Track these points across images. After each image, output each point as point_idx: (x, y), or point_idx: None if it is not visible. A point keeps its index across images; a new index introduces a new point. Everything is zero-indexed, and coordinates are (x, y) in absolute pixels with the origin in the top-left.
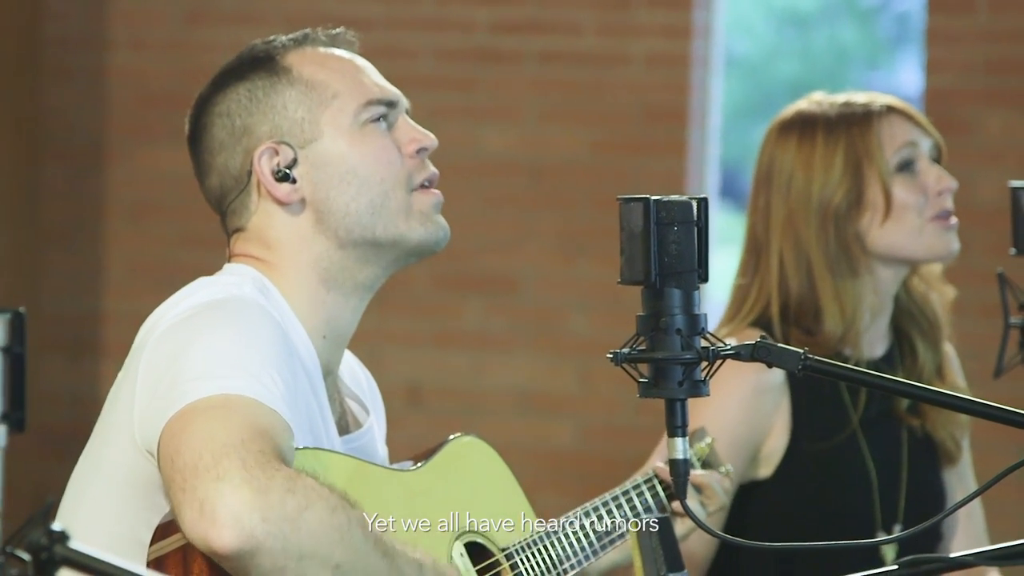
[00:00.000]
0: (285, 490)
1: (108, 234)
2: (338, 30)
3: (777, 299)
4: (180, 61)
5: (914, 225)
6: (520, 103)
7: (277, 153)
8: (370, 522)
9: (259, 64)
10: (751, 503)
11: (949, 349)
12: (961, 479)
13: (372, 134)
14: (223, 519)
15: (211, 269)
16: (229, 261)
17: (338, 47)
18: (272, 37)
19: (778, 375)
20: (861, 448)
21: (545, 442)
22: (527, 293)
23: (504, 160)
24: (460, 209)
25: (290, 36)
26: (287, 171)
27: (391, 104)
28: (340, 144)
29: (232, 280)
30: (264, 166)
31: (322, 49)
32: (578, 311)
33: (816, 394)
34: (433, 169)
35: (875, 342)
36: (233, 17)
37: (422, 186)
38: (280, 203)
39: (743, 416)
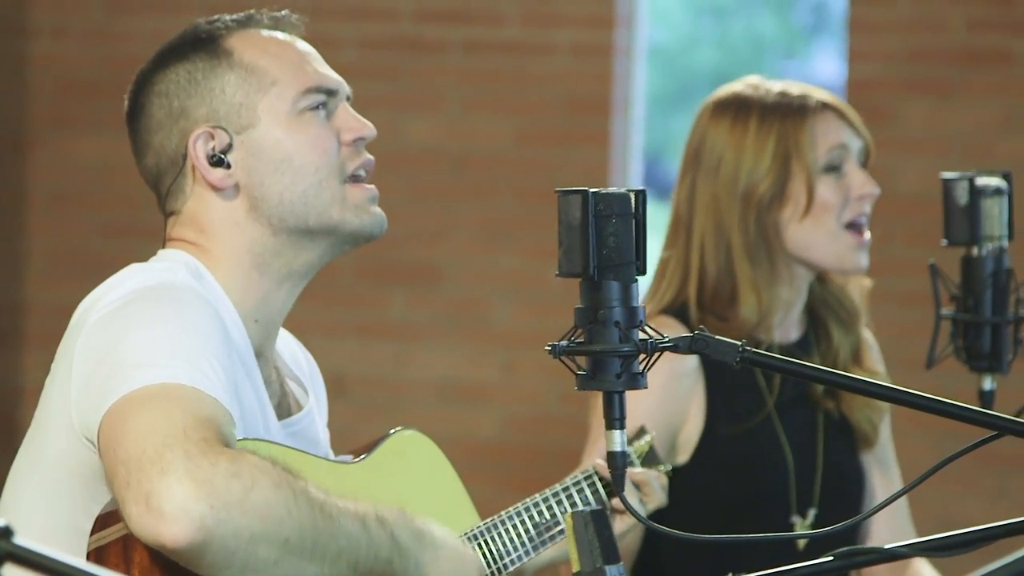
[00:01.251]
0: (229, 475)
1: (29, 223)
2: (282, 13)
3: (695, 281)
4: (101, 49)
5: (830, 228)
6: (444, 93)
7: (213, 137)
8: (312, 489)
9: (200, 45)
10: (671, 489)
11: (868, 335)
12: (882, 464)
13: (309, 122)
14: (171, 513)
15: (133, 258)
16: (164, 244)
17: (282, 30)
18: (216, 17)
19: (692, 361)
20: (776, 432)
21: (468, 432)
22: (451, 283)
23: (428, 150)
24: (384, 199)
25: (234, 17)
26: (222, 156)
27: (331, 92)
28: (276, 132)
29: (165, 266)
30: (199, 150)
31: (265, 33)
32: (502, 301)
33: (731, 379)
34: (368, 156)
35: (789, 328)
36: (154, 5)
37: (356, 177)
38: (214, 188)
39: (659, 403)
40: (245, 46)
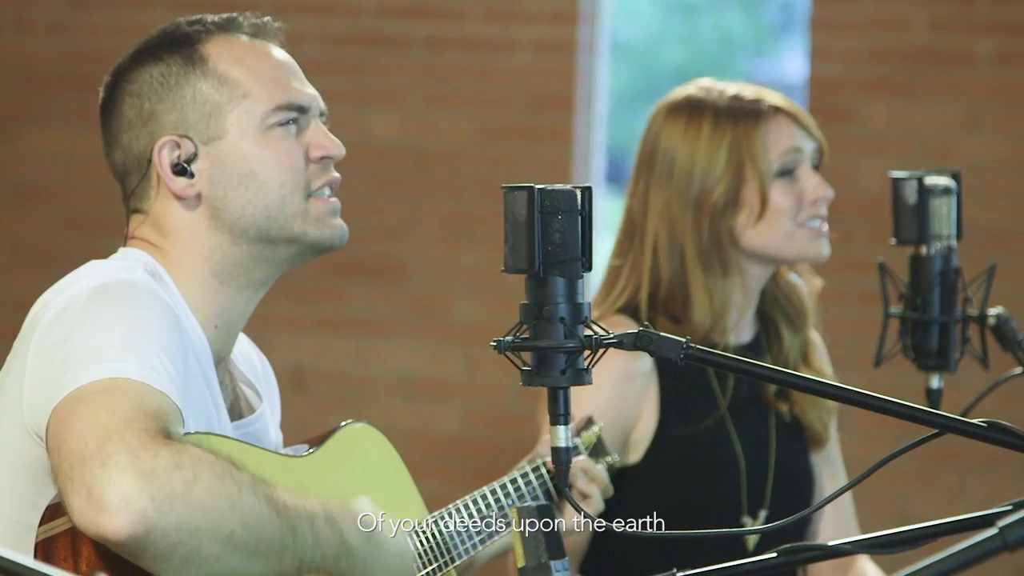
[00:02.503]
0: (172, 466)
1: None
2: (264, 20)
3: (647, 284)
4: (64, 43)
5: (786, 230)
6: (406, 88)
7: (179, 146)
8: (259, 483)
9: (177, 47)
10: (622, 489)
11: (815, 336)
12: (829, 463)
13: (277, 138)
14: (112, 505)
15: (95, 253)
16: (125, 242)
17: (262, 38)
18: (198, 18)
19: (647, 361)
20: (729, 433)
21: (430, 428)
22: (413, 279)
23: (390, 145)
24: (346, 194)
25: (215, 19)
26: (185, 165)
27: (302, 109)
28: (243, 145)
29: (124, 264)
30: (164, 158)
31: (244, 40)
32: (464, 297)
33: (684, 380)
34: (334, 175)
35: (742, 330)
36: (117, 0)
37: (320, 195)
38: (176, 196)
39: (612, 402)
40: (221, 54)
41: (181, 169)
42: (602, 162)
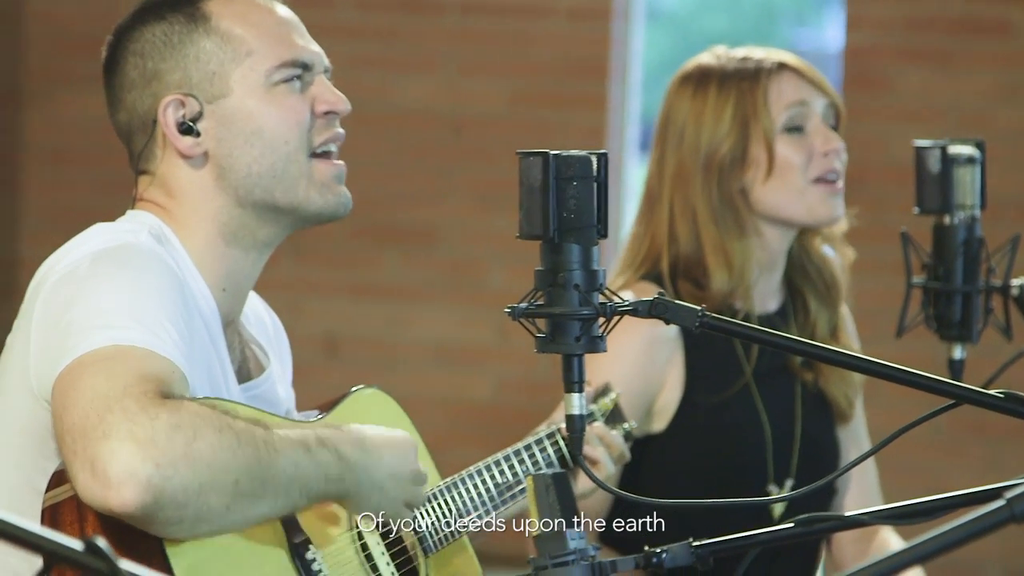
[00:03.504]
0: (171, 427)
1: (24, 179)
2: None
3: (667, 251)
4: (97, 5)
5: (796, 186)
6: (440, 55)
7: (183, 105)
8: (252, 426)
9: (179, 6)
10: (646, 457)
11: (845, 311)
12: (854, 437)
13: (282, 95)
14: (117, 478)
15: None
16: (133, 204)
17: None
18: None
19: (672, 328)
20: (754, 401)
21: (462, 395)
22: (445, 245)
23: (423, 112)
24: (378, 160)
25: None
26: (191, 124)
27: (306, 66)
28: (248, 103)
29: (129, 227)
30: (169, 117)
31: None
32: (496, 264)
33: (710, 347)
34: (339, 130)
35: (767, 297)
36: None
37: (326, 153)
38: (182, 155)
39: (637, 369)
40: (224, 11)
41: (187, 128)
42: (636, 130)
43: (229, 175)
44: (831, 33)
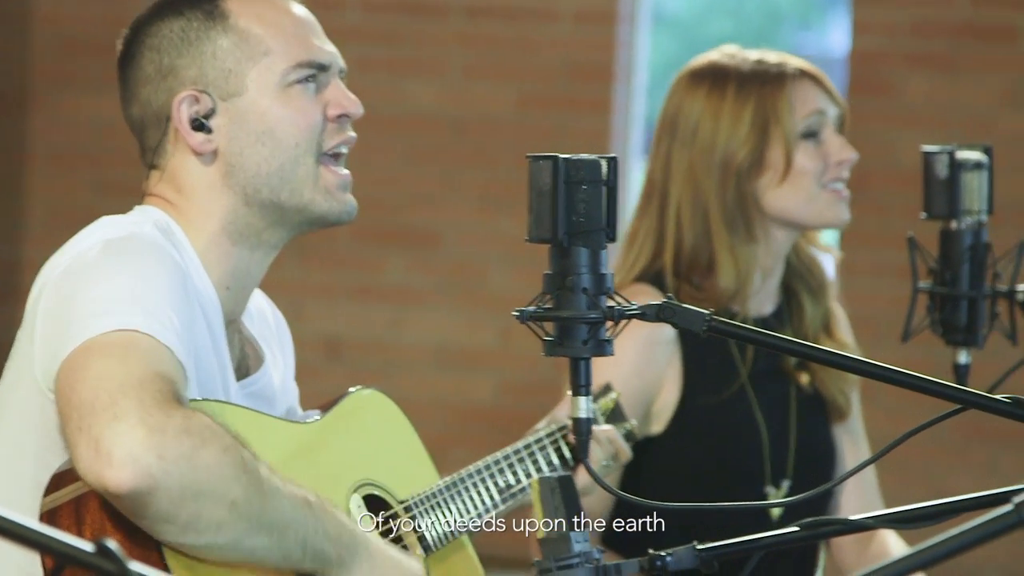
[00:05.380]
0: (181, 430)
1: (28, 181)
2: None
3: (671, 249)
4: (103, 7)
5: (809, 192)
6: (446, 57)
7: (197, 101)
8: (259, 461)
9: (199, 2)
10: (645, 459)
11: (838, 308)
12: (852, 436)
13: (297, 95)
14: (119, 459)
15: None
16: (143, 199)
17: None
18: None
19: (670, 329)
20: (750, 402)
21: (464, 397)
22: (448, 248)
23: (428, 114)
24: (382, 163)
25: None
26: (203, 121)
27: (322, 67)
28: (262, 103)
29: (134, 219)
30: (183, 112)
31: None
32: (499, 267)
33: (707, 349)
34: (350, 134)
35: (764, 300)
36: None
37: (336, 156)
38: (193, 151)
39: (636, 370)
40: (242, 10)
41: (199, 124)
42: (641, 133)
43: (238, 173)
44: (835, 37)
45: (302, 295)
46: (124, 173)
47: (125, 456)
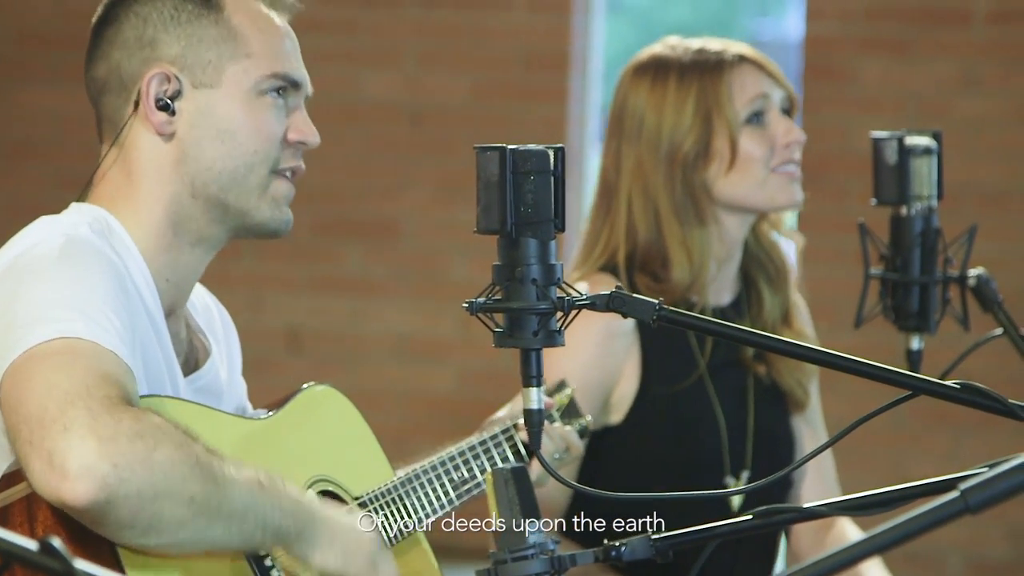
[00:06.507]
0: (133, 433)
1: None
2: None
3: (625, 245)
4: (57, 1)
5: (758, 177)
6: (401, 47)
7: (168, 80)
8: (212, 453)
9: None
10: (603, 449)
11: (798, 298)
12: (810, 424)
13: (265, 105)
14: (74, 472)
15: None
16: (91, 183)
17: (277, 10)
18: None
19: (629, 320)
20: (708, 393)
21: (425, 388)
22: (407, 239)
23: (385, 104)
24: (340, 154)
25: None
26: (168, 101)
27: (295, 84)
28: (232, 102)
29: (70, 220)
30: (151, 87)
31: (262, 6)
32: (458, 257)
33: (665, 340)
34: (301, 164)
35: (722, 290)
36: None
37: (284, 174)
38: (153, 130)
39: (594, 361)
40: (238, 7)
41: (164, 105)
42: (597, 122)
43: (190, 163)
44: (792, 23)
45: (261, 287)
46: (83, 167)
47: (79, 468)
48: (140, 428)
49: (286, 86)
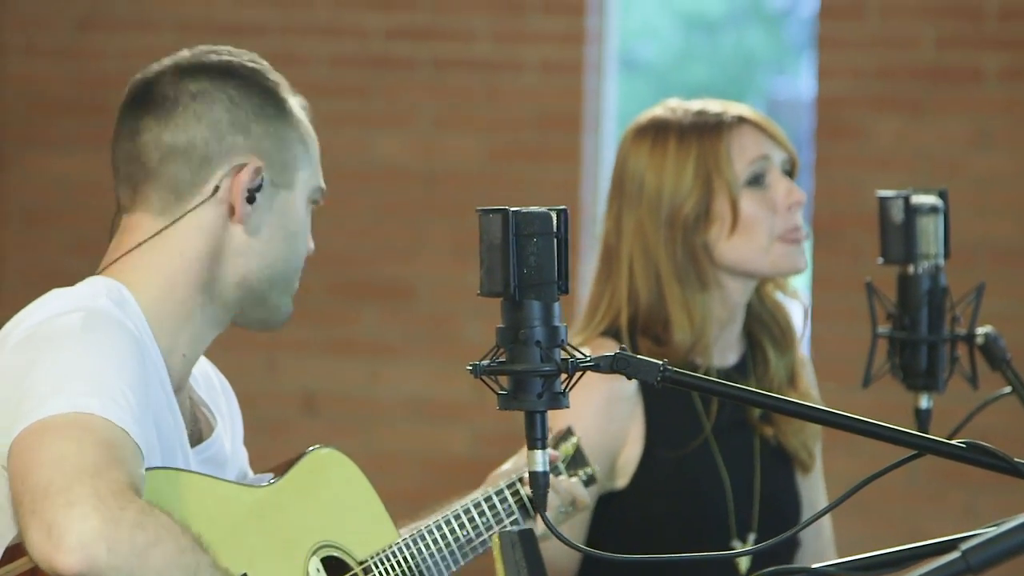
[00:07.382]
0: (135, 524)
1: (1, 241)
2: (305, 103)
3: (627, 308)
4: (71, 68)
5: (761, 243)
6: (414, 110)
7: (258, 174)
8: (216, 568)
9: (269, 93)
10: (609, 514)
11: (804, 358)
12: (812, 487)
13: (310, 216)
14: (69, 544)
15: None
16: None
17: (307, 122)
18: (266, 66)
19: (631, 384)
20: (714, 456)
21: (440, 449)
22: (422, 301)
23: (398, 167)
24: (354, 217)
25: (277, 75)
26: (255, 194)
27: (322, 197)
28: (299, 207)
29: (86, 291)
30: (244, 177)
31: (304, 115)
32: (472, 318)
33: (669, 402)
34: None
35: (726, 351)
36: (125, 23)
37: None
38: (230, 215)
39: (598, 425)
40: (300, 117)
41: (250, 197)
42: None
43: (253, 256)
44: (808, 82)
45: (276, 351)
46: (97, 233)
47: (75, 543)
48: (144, 521)
49: (319, 200)
